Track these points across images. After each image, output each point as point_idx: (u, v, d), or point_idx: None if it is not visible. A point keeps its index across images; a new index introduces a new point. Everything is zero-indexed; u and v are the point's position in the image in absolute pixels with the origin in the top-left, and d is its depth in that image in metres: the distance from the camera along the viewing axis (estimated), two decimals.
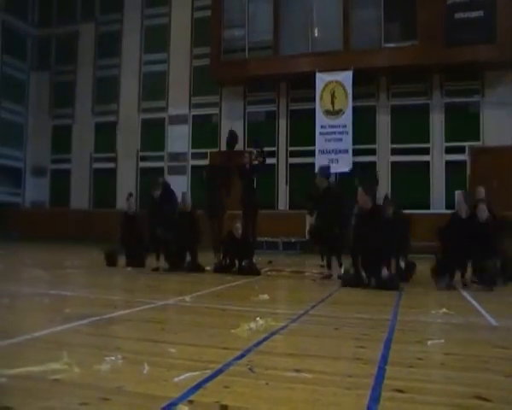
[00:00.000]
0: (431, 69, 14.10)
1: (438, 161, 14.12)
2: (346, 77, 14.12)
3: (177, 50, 17.28)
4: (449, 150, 14.13)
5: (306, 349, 2.77)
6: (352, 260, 5.87)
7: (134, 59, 18.05)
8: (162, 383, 2.09)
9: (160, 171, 16.52)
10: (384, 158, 14.46)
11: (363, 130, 14.12)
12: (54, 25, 19.61)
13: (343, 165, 13.53)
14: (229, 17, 15.80)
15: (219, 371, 2.25)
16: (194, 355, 2.54)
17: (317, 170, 9.82)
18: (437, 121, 14.29)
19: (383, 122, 14.67)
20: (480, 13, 13.23)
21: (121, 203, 17.48)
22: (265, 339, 2.95)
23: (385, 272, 5.58)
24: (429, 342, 2.93)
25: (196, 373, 2.19)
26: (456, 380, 2.22)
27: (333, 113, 14.20)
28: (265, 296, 4.78)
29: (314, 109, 14.33)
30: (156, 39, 17.73)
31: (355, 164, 13.61)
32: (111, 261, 8.01)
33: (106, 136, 18.21)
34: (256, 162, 8.32)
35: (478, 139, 13.94)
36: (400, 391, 2.03)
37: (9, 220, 17.33)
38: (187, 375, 2.16)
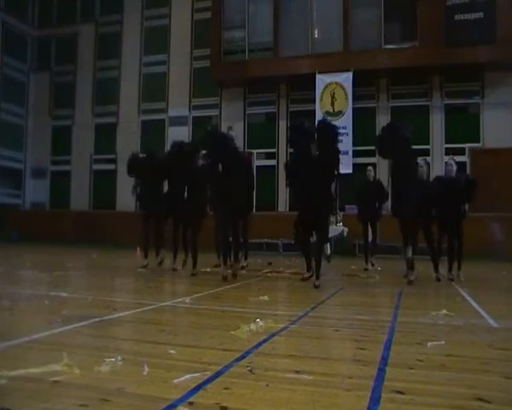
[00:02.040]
0: (431, 70, 14.12)
1: (438, 162, 14.12)
2: (346, 78, 14.15)
3: (177, 52, 17.30)
4: (449, 152, 14.13)
5: (306, 351, 2.76)
6: None
7: (134, 60, 18.07)
8: (162, 384, 2.09)
9: None
10: (384, 159, 14.46)
11: (363, 131, 14.13)
12: (54, 26, 19.63)
13: (343, 166, 13.50)
14: (230, 18, 15.83)
15: (219, 373, 2.25)
16: (194, 357, 2.54)
17: None
18: (437, 123, 14.31)
19: (383, 123, 14.59)
20: (479, 14, 13.26)
21: (121, 205, 17.51)
22: (265, 340, 2.95)
23: None
24: (429, 344, 2.93)
25: (196, 375, 2.19)
26: (456, 382, 2.22)
27: (333, 114, 14.20)
28: (265, 298, 4.78)
29: (314, 111, 14.33)
30: (156, 41, 17.76)
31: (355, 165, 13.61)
32: None
33: (106, 137, 18.22)
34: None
35: (478, 141, 13.95)
36: (400, 393, 2.03)
37: (9, 222, 17.35)
38: (187, 376, 2.16)
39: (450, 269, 7.10)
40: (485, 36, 13.08)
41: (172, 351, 2.63)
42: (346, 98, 14.15)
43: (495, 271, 9.06)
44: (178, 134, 16.90)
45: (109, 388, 2.03)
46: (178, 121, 17.00)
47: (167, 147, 16.86)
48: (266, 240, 13.51)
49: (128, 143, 17.67)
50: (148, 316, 3.83)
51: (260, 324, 3.31)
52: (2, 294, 4.58)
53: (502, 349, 2.88)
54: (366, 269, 8.26)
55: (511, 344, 3.04)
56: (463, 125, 14.15)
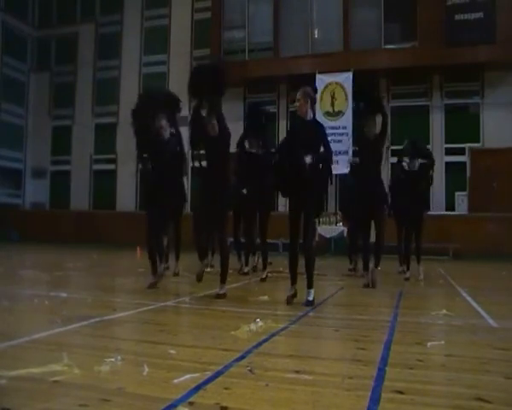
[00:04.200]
0: (431, 70, 14.12)
1: (438, 162, 14.02)
2: (346, 78, 14.12)
3: (177, 52, 17.29)
4: (449, 152, 14.13)
5: (306, 351, 2.76)
6: None
7: (134, 60, 18.07)
8: (162, 384, 2.09)
9: None
10: (384, 159, 14.45)
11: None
12: (54, 26, 19.63)
13: (343, 166, 13.52)
14: (229, 18, 15.82)
15: (219, 373, 2.25)
16: (194, 357, 2.54)
17: None
18: (437, 122, 14.30)
19: None
20: (479, 14, 13.25)
21: (121, 205, 17.50)
22: (265, 340, 2.95)
23: None
24: (429, 344, 2.93)
25: (196, 375, 2.19)
26: (456, 382, 2.22)
27: (333, 114, 14.20)
28: (265, 298, 4.78)
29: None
30: (156, 41, 17.76)
31: None
32: None
33: (106, 137, 18.21)
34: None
35: (478, 140, 13.95)
36: (400, 393, 2.03)
37: (9, 222, 17.34)
38: (187, 376, 2.16)
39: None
40: (485, 36, 13.07)
41: (172, 351, 2.63)
42: (346, 98, 14.12)
43: (495, 271, 9.06)
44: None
45: (109, 388, 2.03)
46: (179, 121, 16.95)
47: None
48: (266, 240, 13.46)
49: (128, 143, 17.65)
50: (147, 316, 3.83)
51: (260, 324, 3.31)
52: (2, 294, 4.58)
53: (502, 349, 2.88)
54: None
55: (511, 344, 3.04)
56: (463, 125, 14.15)
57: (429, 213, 13.01)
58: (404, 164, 7.37)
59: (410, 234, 7.09)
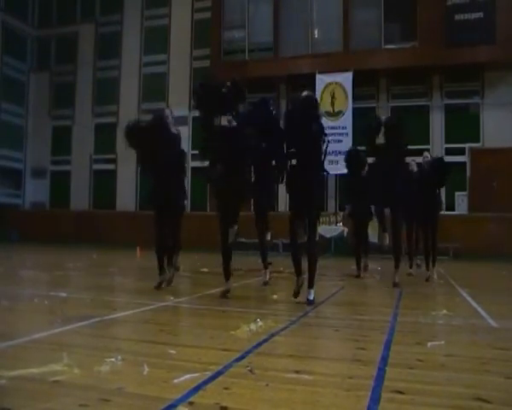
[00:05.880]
0: (431, 70, 14.12)
1: None
2: (346, 78, 14.14)
3: (177, 52, 17.30)
4: (449, 152, 14.11)
5: (306, 351, 2.76)
6: None
7: (134, 60, 18.07)
8: (162, 384, 2.09)
9: None
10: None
11: (363, 131, 14.11)
12: (54, 26, 19.64)
13: (343, 166, 13.52)
14: (230, 18, 15.82)
15: (219, 373, 2.25)
16: (193, 357, 2.54)
17: None
18: (437, 122, 14.30)
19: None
20: (479, 14, 13.26)
21: (121, 205, 17.51)
22: (265, 340, 2.95)
23: None
24: (429, 344, 2.93)
25: (196, 375, 2.19)
26: (456, 381, 2.22)
27: (333, 114, 14.20)
28: (265, 297, 4.78)
29: None
30: (156, 40, 17.76)
31: None
32: None
33: (106, 137, 18.20)
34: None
35: (478, 140, 13.95)
36: (400, 392, 2.03)
37: (9, 221, 17.34)
38: (187, 376, 2.16)
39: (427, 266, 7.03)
40: (485, 36, 13.07)
41: (172, 351, 2.63)
42: (346, 98, 14.13)
43: (495, 271, 9.06)
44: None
45: (109, 388, 2.03)
46: (178, 121, 16.90)
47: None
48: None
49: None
50: (147, 316, 3.83)
51: (260, 324, 3.31)
52: (2, 294, 4.58)
53: (501, 349, 2.88)
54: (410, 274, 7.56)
55: (511, 344, 3.04)
56: (463, 125, 14.15)
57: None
58: (413, 163, 7.49)
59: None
